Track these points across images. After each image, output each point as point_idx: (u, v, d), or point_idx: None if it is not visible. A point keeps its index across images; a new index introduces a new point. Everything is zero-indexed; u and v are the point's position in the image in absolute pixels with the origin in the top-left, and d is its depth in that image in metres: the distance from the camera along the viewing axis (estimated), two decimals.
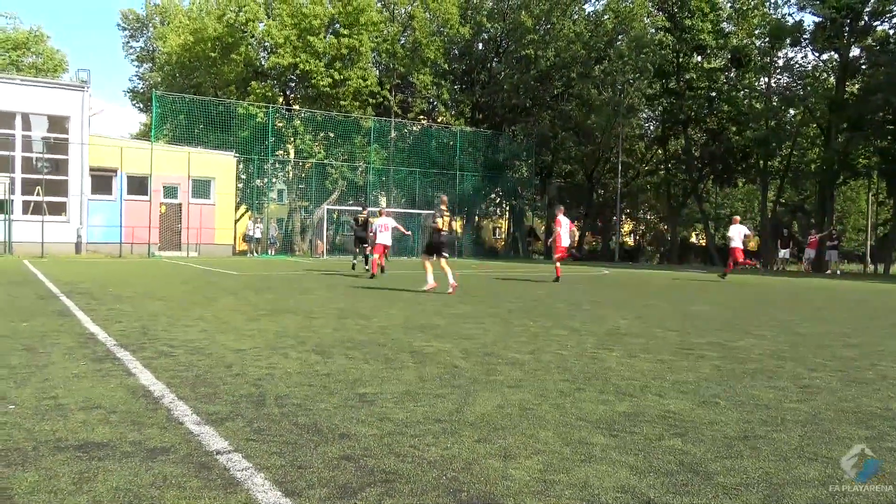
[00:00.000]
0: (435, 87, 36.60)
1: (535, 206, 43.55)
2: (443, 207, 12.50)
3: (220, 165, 30.58)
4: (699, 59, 38.24)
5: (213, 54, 34.51)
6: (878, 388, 4.74)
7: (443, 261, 12.29)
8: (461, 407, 3.92)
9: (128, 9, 51.79)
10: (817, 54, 34.83)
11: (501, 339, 6.63)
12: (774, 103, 35.80)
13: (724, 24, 37.63)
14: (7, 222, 25.03)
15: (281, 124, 33.76)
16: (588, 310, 9.74)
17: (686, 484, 2.78)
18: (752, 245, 35.79)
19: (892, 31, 31.49)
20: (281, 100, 37.08)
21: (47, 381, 4.36)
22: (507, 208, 45.19)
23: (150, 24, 49.41)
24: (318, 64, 32.77)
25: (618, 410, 3.92)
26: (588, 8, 42.08)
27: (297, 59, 32.35)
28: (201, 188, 30.16)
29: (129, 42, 51.12)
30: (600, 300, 11.60)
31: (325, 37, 33.58)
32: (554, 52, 37.28)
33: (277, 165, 36.08)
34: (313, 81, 33.00)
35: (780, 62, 36.56)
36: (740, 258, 18.68)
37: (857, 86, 33.18)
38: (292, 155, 35.60)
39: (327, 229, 34.90)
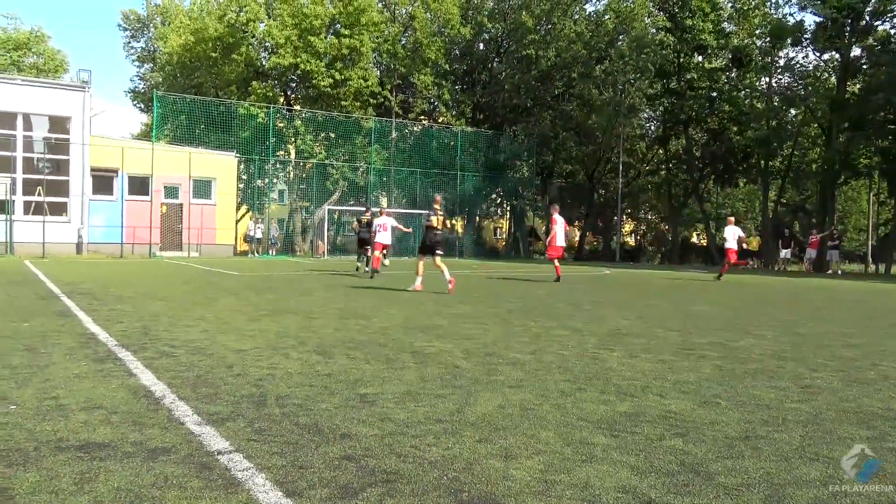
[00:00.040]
0: (436, 88, 36.60)
1: (535, 206, 43.55)
2: (436, 207, 12.65)
3: (221, 166, 30.60)
4: (700, 59, 38.24)
5: (213, 54, 34.54)
6: (880, 388, 4.73)
7: (437, 259, 12.39)
8: (462, 407, 3.92)
9: (129, 9, 51.81)
10: (818, 54, 34.83)
11: (502, 339, 6.63)
12: (775, 103, 35.79)
13: (725, 24, 37.62)
14: (8, 222, 25.04)
15: (282, 124, 33.78)
16: (589, 310, 9.73)
17: (687, 484, 2.78)
18: (754, 245, 35.81)
19: (893, 31, 31.49)
20: (282, 100, 37.10)
21: (48, 381, 4.36)
22: (508, 208, 45.18)
23: (151, 25, 49.46)
24: (318, 64, 32.78)
25: (619, 411, 3.92)
26: (589, 8, 42.19)
27: (298, 60, 32.37)
28: (202, 188, 30.18)
29: (129, 42, 51.21)
30: (601, 300, 11.60)
31: (325, 37, 33.60)
32: (555, 52, 37.28)
33: (278, 166, 36.09)
34: (314, 82, 33.02)
35: (781, 62, 36.58)
36: (734, 259, 19.00)
37: (858, 85, 33.16)
38: (293, 155, 35.61)
39: (328, 230, 34.92)
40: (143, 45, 50.80)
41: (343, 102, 33.92)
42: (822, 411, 4.02)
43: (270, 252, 32.42)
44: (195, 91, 35.76)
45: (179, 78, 39.57)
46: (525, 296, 12.10)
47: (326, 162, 34.12)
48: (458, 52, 39.71)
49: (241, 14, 33.62)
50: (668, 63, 37.08)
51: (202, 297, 10.56)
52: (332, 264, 24.14)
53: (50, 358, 5.16)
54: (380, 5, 36.76)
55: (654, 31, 37.34)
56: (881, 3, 30.25)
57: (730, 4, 38.20)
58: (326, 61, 33.30)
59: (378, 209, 19.26)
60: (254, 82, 34.08)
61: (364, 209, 20.93)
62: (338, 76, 33.12)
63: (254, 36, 34.75)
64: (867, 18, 31.34)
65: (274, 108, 33.00)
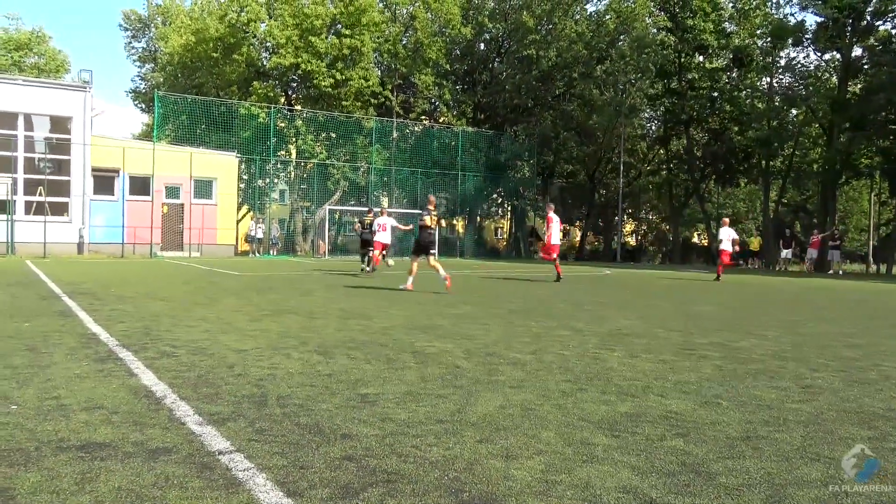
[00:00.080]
0: (437, 88, 36.59)
1: (536, 206, 43.54)
2: (430, 207, 12.75)
3: (222, 166, 30.61)
4: (701, 59, 38.22)
5: (214, 55, 34.54)
6: (881, 388, 4.73)
7: (431, 259, 12.53)
8: (463, 407, 3.92)
9: (130, 9, 51.73)
10: (819, 54, 34.81)
11: (503, 339, 6.63)
12: (776, 103, 35.77)
13: (726, 24, 37.59)
14: (9, 223, 25.06)
15: (283, 125, 33.78)
16: (590, 310, 9.73)
17: (688, 484, 2.78)
18: (755, 245, 35.80)
19: (894, 31, 31.46)
20: (283, 100, 37.10)
21: (49, 381, 4.37)
22: (509, 208, 45.18)
23: (152, 25, 49.46)
24: (319, 64, 32.78)
25: (620, 411, 3.92)
26: (590, 8, 42.08)
27: (299, 60, 32.36)
28: (203, 188, 30.20)
29: (131, 42, 51.22)
30: (602, 300, 11.60)
31: (326, 37, 33.60)
32: (556, 52, 37.28)
33: (279, 166, 36.10)
34: (315, 82, 33.01)
35: (782, 62, 36.56)
36: (727, 260, 19.18)
37: (859, 85, 33.14)
38: (294, 155, 35.61)
39: (329, 230, 34.92)
40: (144, 46, 50.85)
41: (344, 102, 33.92)
42: (823, 411, 4.02)
43: (271, 252, 32.43)
44: (196, 91, 35.77)
45: (180, 78, 39.59)
46: (526, 296, 12.10)
47: (327, 162, 34.13)
48: (458, 53, 39.70)
49: (242, 14, 33.62)
50: (669, 63, 37.07)
51: (203, 297, 10.57)
52: (334, 264, 24.14)
53: (51, 358, 5.16)
54: (381, 5, 36.75)
55: (654, 31, 37.34)
56: (882, 3, 30.23)
57: (731, 4, 38.18)
58: (327, 61, 33.30)
59: (379, 209, 19.32)
60: (255, 82, 34.08)
61: (367, 210, 20.98)
62: (339, 76, 33.11)
63: (255, 36, 34.76)
64: (868, 18, 31.32)
65: (275, 108, 33.00)
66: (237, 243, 33.63)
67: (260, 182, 33.88)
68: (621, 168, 39.15)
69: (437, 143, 37.57)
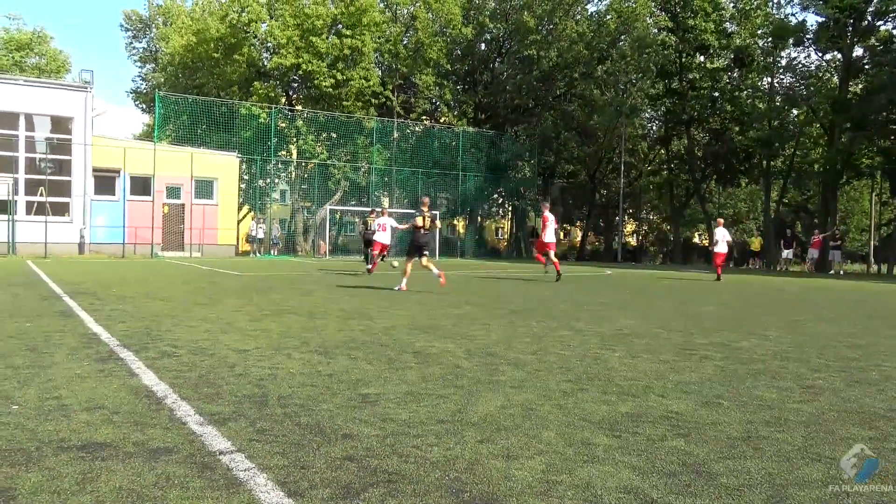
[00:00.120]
0: (437, 88, 36.60)
1: (537, 206, 43.48)
2: (423, 208, 12.87)
3: (223, 166, 30.63)
4: (702, 59, 38.17)
5: (215, 55, 34.57)
6: (882, 388, 4.73)
7: (424, 260, 12.64)
8: (464, 407, 3.92)
9: (131, 10, 51.82)
10: (820, 54, 34.76)
11: (504, 339, 6.63)
12: (777, 103, 35.72)
13: (727, 24, 37.54)
14: (10, 223, 25.08)
15: (283, 125, 33.79)
16: (591, 310, 9.73)
17: (689, 485, 2.78)
18: (756, 245, 35.77)
19: (895, 31, 31.42)
20: (283, 100, 37.13)
21: (50, 381, 4.37)
22: (510, 209, 45.17)
23: (153, 25, 49.49)
24: (320, 64, 32.80)
25: (621, 411, 3.92)
26: (591, 8, 42.05)
27: (300, 60, 32.38)
28: (204, 189, 30.21)
29: (132, 43, 51.27)
30: (603, 301, 11.60)
31: (327, 37, 33.62)
32: (556, 52, 37.27)
33: (280, 166, 36.12)
34: (316, 82, 33.03)
35: (783, 62, 36.49)
36: (720, 261, 19.38)
37: (860, 86, 33.08)
38: (295, 155, 35.63)
39: (330, 230, 34.92)
40: (145, 46, 50.89)
41: (345, 103, 33.93)
42: (824, 412, 4.02)
43: (272, 252, 32.45)
44: (197, 91, 35.79)
45: (181, 78, 39.61)
46: (527, 296, 12.10)
47: (328, 162, 34.14)
48: (459, 53, 39.70)
49: (243, 14, 33.64)
50: (669, 63, 37.04)
51: (204, 297, 10.57)
52: (334, 264, 24.15)
53: (52, 358, 5.16)
54: (381, 5, 36.77)
55: (655, 31, 37.33)
56: (883, 3, 30.19)
57: (732, 4, 38.13)
58: (328, 61, 33.31)
59: (380, 210, 19.35)
60: (255, 83, 34.10)
61: (370, 211, 21.00)
62: (339, 76, 33.13)
63: (255, 36, 34.77)
64: (869, 18, 31.28)
65: (276, 108, 33.01)
66: (238, 243, 33.65)
67: (261, 182, 33.90)
68: (622, 168, 39.12)
69: (437, 144, 37.58)
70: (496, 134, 39.43)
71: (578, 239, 51.87)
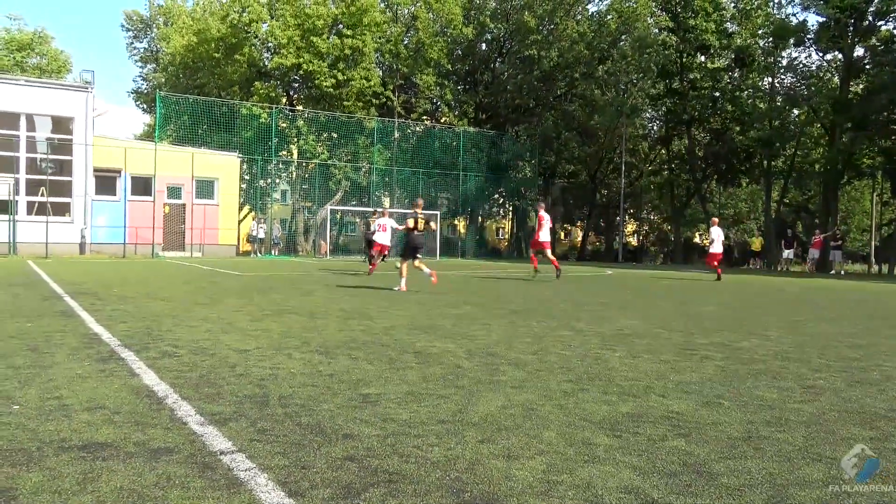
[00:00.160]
0: (438, 88, 36.60)
1: (538, 206, 43.48)
2: (417, 210, 12.92)
3: (224, 166, 30.64)
4: (703, 59, 38.16)
5: (216, 55, 34.58)
6: (883, 388, 4.72)
7: (415, 262, 12.75)
8: (464, 407, 3.92)
9: (132, 10, 51.82)
10: (821, 54, 34.74)
11: (505, 339, 6.63)
12: (778, 103, 35.71)
13: (728, 24, 37.53)
14: (11, 223, 25.11)
15: (284, 125, 33.81)
16: (591, 310, 9.73)
17: (690, 485, 2.78)
18: (757, 246, 35.76)
19: None
20: (284, 100, 37.14)
21: (51, 381, 4.37)
22: (511, 209, 45.16)
23: (154, 25, 49.51)
24: (321, 64, 32.81)
25: (621, 411, 3.92)
26: (591, 8, 41.98)
27: (301, 60, 32.39)
28: (205, 189, 30.23)
29: (132, 43, 51.28)
30: (604, 301, 11.59)
31: (328, 37, 33.63)
32: (557, 52, 37.26)
33: (281, 166, 36.13)
34: (317, 82, 33.04)
35: (784, 62, 36.47)
36: (716, 260, 19.49)
37: (861, 86, 33.06)
38: (296, 155, 35.65)
39: (331, 230, 34.93)
40: (146, 46, 50.91)
41: (345, 103, 33.94)
42: (825, 412, 4.01)
43: (273, 252, 32.46)
44: (198, 91, 35.81)
45: (182, 78, 39.62)
46: (527, 296, 12.10)
47: (329, 162, 34.15)
48: (460, 53, 39.70)
49: (244, 14, 33.65)
50: (670, 63, 37.03)
51: (205, 297, 10.57)
52: (335, 264, 24.15)
53: (53, 358, 5.17)
54: (382, 5, 36.77)
55: (656, 31, 37.30)
56: (884, 3, 30.17)
57: (732, 4, 38.12)
58: (329, 62, 33.32)
59: (380, 210, 19.37)
60: (256, 83, 34.11)
61: (373, 212, 21.02)
62: (340, 76, 33.14)
63: (256, 36, 34.78)
64: (870, 18, 31.26)
65: (276, 108, 33.03)
66: (239, 243, 33.66)
67: (261, 182, 33.91)
68: (623, 168, 39.12)
69: (438, 144, 37.58)
70: (497, 134, 39.43)
71: (579, 239, 51.86)
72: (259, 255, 31.42)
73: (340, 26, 33.96)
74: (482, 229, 44.96)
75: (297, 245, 35.53)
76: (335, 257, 31.79)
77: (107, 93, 73.85)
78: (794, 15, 42.12)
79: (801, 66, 35.80)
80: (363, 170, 35.67)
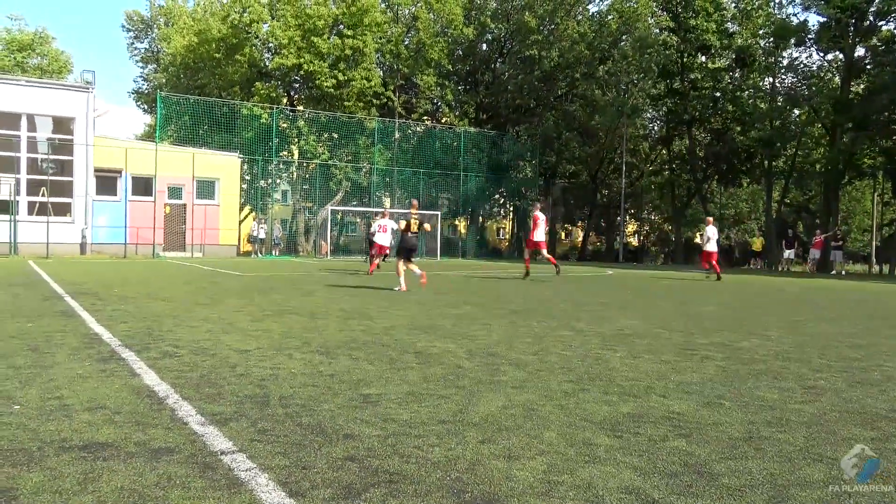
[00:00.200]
0: (439, 88, 36.61)
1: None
2: (412, 211, 13.06)
3: (225, 166, 30.65)
4: (703, 59, 38.15)
5: (217, 55, 34.59)
6: (884, 389, 4.72)
7: (409, 263, 12.86)
8: (465, 408, 3.92)
9: (132, 10, 51.83)
10: (822, 54, 34.73)
11: (506, 339, 6.63)
12: (779, 103, 35.69)
13: (729, 24, 37.52)
14: (12, 223, 25.12)
15: (285, 125, 33.82)
16: (592, 310, 9.73)
17: (690, 485, 2.78)
18: (757, 246, 35.75)
19: None
20: (285, 101, 37.15)
21: (52, 381, 4.37)
22: (511, 209, 45.16)
23: (155, 26, 49.54)
24: (322, 65, 32.82)
25: (622, 411, 3.91)
26: (592, 8, 41.96)
27: (301, 60, 32.40)
28: (206, 189, 30.25)
29: (133, 43, 51.31)
30: (604, 301, 11.59)
31: (329, 38, 33.64)
32: (558, 52, 37.26)
33: (281, 166, 36.14)
34: (317, 82, 33.05)
35: (785, 62, 36.46)
36: (713, 259, 19.59)
37: (862, 86, 33.05)
38: (296, 156, 35.67)
39: (331, 230, 34.94)
40: (147, 46, 50.92)
41: (346, 103, 33.95)
42: (825, 412, 4.01)
43: (274, 252, 32.47)
44: (198, 92, 35.83)
45: (183, 79, 39.64)
46: (527, 296, 12.10)
47: (329, 162, 34.16)
48: (461, 53, 39.71)
49: (245, 15, 33.66)
50: (671, 63, 37.02)
51: (205, 297, 10.58)
52: (336, 265, 24.15)
53: (53, 358, 5.17)
54: (383, 6, 36.78)
55: (657, 31, 37.29)
56: (885, 3, 30.16)
57: (733, 4, 38.11)
58: (329, 62, 33.33)
59: (381, 210, 19.39)
60: (257, 83, 34.13)
61: (376, 212, 21.05)
62: (341, 77, 33.15)
63: (257, 37, 34.80)
64: (871, 18, 31.24)
65: (277, 108, 33.04)
66: (239, 244, 33.68)
67: (262, 182, 33.92)
68: (623, 168, 39.11)
69: (439, 144, 37.58)
70: (497, 134, 39.44)
71: (580, 239, 51.85)
72: (260, 255, 31.42)
73: (341, 26, 33.97)
74: (483, 229, 44.96)
75: (297, 245, 35.53)
76: (336, 257, 31.79)
77: (107, 93, 73.98)
78: (794, 15, 42.08)
79: (801, 66, 35.80)
80: (364, 170, 35.68)
